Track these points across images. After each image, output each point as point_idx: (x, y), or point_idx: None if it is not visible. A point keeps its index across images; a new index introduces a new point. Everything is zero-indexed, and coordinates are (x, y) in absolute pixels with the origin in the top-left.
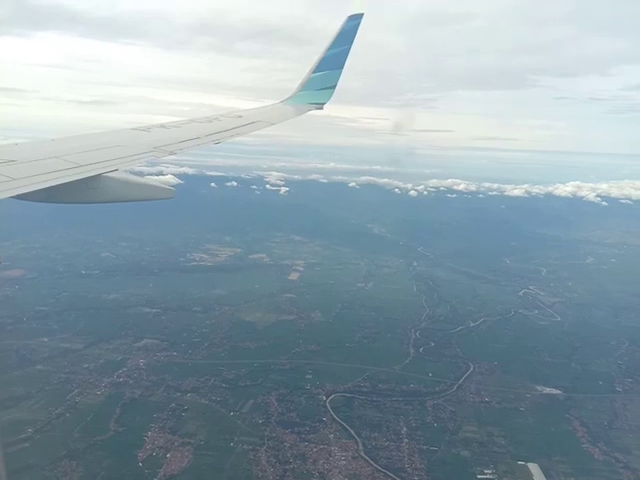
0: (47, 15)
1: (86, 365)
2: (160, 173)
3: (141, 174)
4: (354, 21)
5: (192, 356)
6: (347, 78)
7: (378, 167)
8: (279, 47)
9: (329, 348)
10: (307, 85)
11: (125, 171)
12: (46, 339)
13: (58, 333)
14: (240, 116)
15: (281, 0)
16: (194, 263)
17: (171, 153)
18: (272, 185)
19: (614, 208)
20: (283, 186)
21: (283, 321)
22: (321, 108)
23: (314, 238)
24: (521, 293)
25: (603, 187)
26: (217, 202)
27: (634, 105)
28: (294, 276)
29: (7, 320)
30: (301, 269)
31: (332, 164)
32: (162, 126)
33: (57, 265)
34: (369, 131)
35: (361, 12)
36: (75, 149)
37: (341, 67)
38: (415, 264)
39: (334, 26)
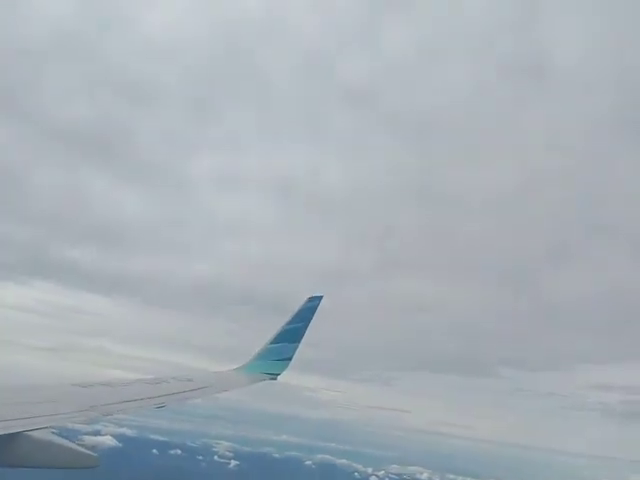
0: (56, 267)
1: None
2: (97, 433)
3: (77, 433)
4: (313, 302)
5: None
6: (313, 348)
7: (334, 444)
8: (262, 313)
9: None
10: (263, 355)
11: (50, 431)
12: None
13: None
14: (191, 380)
15: (278, 275)
16: None
17: (107, 414)
18: (220, 457)
19: None
20: (232, 459)
21: None
22: (275, 379)
23: None
24: None
25: None
26: (156, 473)
27: (591, 404)
28: None
29: None
30: None
31: (285, 436)
32: (105, 383)
33: None
34: (325, 402)
35: (320, 294)
36: (1, 401)
37: (298, 341)
38: None
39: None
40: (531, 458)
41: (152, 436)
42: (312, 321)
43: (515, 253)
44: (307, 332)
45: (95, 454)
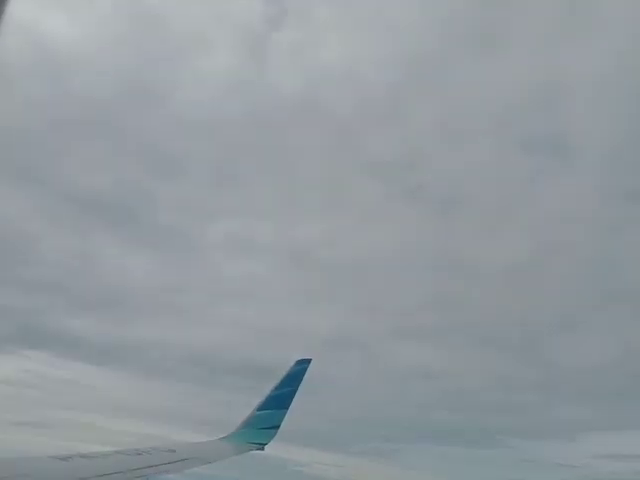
0: (44, 337)
1: None
2: None
3: None
4: (302, 365)
5: None
6: (306, 418)
7: None
8: (262, 383)
9: None
10: (249, 423)
11: None
12: None
13: None
14: (174, 450)
15: (283, 343)
16: None
17: None
18: None
19: None
20: None
21: None
22: (262, 449)
23: None
24: None
25: None
26: None
27: (602, 475)
28: None
29: None
30: None
31: None
32: (84, 456)
33: None
34: (318, 478)
35: (309, 357)
36: None
37: (286, 407)
38: None
39: (317, 369)
40: None
41: None
42: (307, 389)
43: (522, 323)
44: (300, 400)
45: None
